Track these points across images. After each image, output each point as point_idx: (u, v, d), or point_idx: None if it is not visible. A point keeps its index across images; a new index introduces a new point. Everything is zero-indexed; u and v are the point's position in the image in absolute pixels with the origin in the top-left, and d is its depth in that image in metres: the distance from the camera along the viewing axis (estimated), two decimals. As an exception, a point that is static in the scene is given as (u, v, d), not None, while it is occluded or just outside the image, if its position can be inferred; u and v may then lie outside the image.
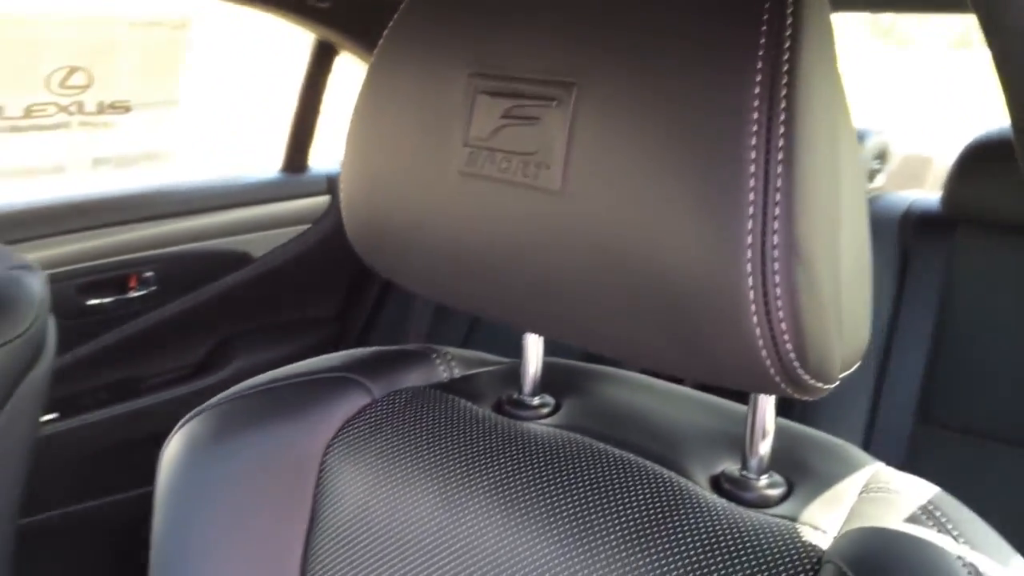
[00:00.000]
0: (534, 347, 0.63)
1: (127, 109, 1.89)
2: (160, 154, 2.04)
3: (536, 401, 0.63)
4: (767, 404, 0.53)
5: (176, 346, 1.77)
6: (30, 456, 1.13)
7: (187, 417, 0.64)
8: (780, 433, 0.56)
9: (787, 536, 0.49)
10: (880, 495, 0.52)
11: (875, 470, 0.55)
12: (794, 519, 0.51)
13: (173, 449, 0.63)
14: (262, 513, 0.60)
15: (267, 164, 1.94)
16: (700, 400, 0.63)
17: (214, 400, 0.64)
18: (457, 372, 0.67)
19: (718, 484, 0.54)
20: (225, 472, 0.60)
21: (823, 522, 0.51)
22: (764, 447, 0.53)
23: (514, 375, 0.64)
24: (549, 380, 0.64)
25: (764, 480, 0.53)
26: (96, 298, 1.63)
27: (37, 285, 1.07)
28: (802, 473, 0.55)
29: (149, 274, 1.71)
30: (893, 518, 0.49)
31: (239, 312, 1.83)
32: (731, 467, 0.55)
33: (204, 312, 1.76)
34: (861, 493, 0.53)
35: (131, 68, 1.91)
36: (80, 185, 1.80)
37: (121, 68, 1.90)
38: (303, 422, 0.61)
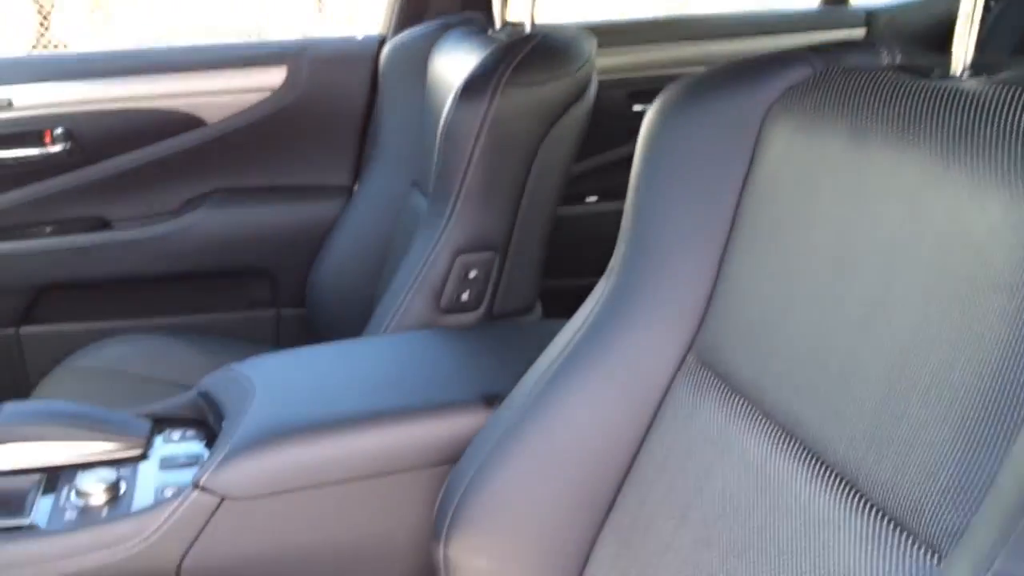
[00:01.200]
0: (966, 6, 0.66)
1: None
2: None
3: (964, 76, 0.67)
4: None
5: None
6: (563, 180, 1.39)
7: (668, 87, 0.83)
8: None
9: None
10: None
11: None
12: None
13: (654, 107, 0.82)
14: (714, 157, 0.77)
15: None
16: None
17: (688, 75, 0.81)
18: (898, 60, 0.76)
19: None
20: (689, 124, 0.79)
21: None
22: None
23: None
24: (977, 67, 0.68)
25: None
26: (640, 104, 1.93)
27: (588, 45, 1.37)
28: None
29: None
30: None
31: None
32: None
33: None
34: None
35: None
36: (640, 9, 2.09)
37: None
38: (754, 86, 0.76)
